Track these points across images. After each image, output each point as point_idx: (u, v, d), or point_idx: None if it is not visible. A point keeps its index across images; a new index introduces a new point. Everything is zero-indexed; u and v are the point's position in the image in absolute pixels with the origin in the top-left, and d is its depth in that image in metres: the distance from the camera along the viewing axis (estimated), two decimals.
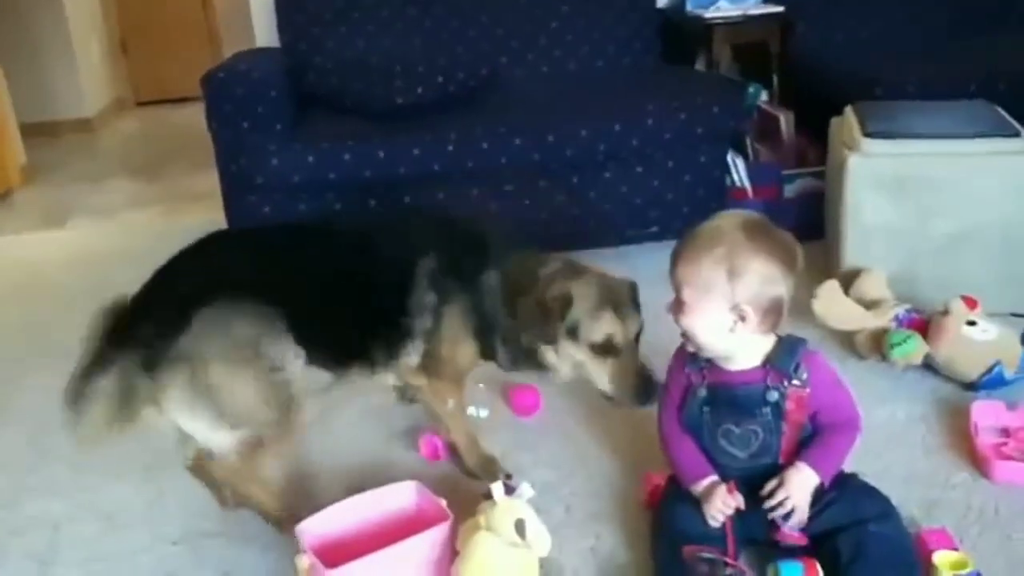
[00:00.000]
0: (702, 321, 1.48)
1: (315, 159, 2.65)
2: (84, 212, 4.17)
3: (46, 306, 2.98)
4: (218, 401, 1.55)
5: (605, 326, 1.68)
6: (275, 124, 2.68)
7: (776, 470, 1.50)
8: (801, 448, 1.52)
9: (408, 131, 2.71)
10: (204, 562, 1.66)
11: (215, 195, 2.89)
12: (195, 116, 2.76)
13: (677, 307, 1.50)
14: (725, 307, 1.45)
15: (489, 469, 1.84)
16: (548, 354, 1.73)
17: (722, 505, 1.48)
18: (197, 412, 1.55)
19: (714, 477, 1.53)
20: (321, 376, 1.75)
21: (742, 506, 1.49)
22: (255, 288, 1.61)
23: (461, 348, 1.81)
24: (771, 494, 1.47)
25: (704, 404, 1.55)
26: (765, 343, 1.51)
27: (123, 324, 1.56)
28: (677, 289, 1.50)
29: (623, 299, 1.72)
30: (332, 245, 1.79)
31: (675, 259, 1.50)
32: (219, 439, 1.60)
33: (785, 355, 1.50)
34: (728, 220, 1.50)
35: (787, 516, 1.47)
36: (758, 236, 1.45)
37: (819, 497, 1.49)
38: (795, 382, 1.50)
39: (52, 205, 4.35)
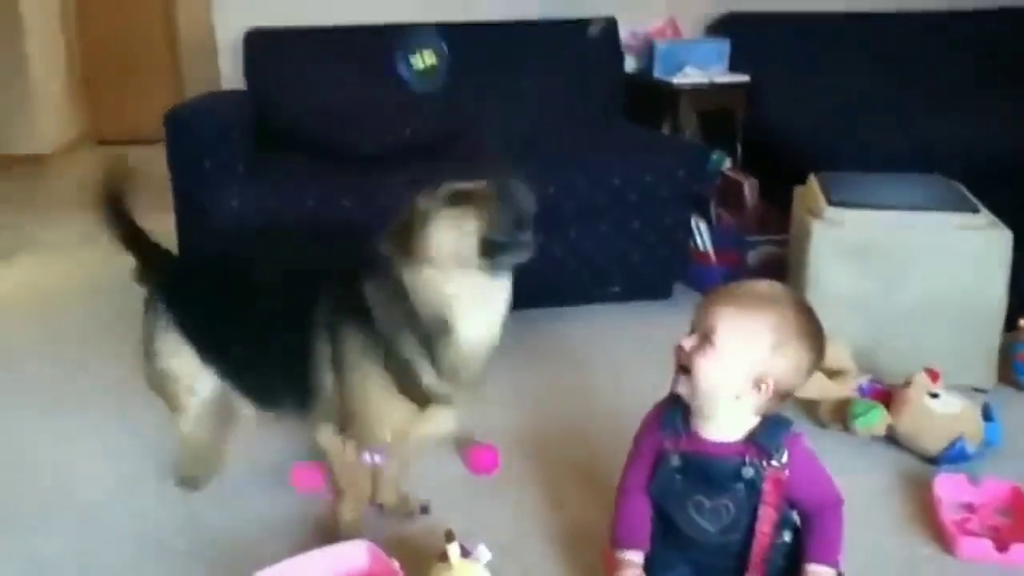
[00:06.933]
0: (719, 372, 1.40)
1: (278, 203, 2.59)
2: (32, 248, 4.03)
3: None
4: None
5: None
6: (237, 165, 2.63)
7: (748, 547, 1.45)
8: (799, 537, 1.47)
9: (373, 180, 2.67)
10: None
11: (170, 238, 2.80)
12: (155, 157, 2.71)
13: (700, 344, 1.40)
14: (750, 372, 1.39)
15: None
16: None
17: None
18: None
19: (637, 556, 1.49)
20: (245, 405, 1.88)
21: None
22: (184, 300, 1.85)
23: (370, 387, 1.57)
24: None
25: (677, 472, 1.48)
26: (752, 420, 1.44)
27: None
28: (709, 328, 1.40)
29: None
30: (268, 286, 1.74)
31: (721, 300, 1.42)
32: None
33: (770, 434, 1.43)
34: (783, 290, 1.47)
35: None
36: (809, 321, 1.42)
37: None
38: (774, 463, 1.43)
39: None
